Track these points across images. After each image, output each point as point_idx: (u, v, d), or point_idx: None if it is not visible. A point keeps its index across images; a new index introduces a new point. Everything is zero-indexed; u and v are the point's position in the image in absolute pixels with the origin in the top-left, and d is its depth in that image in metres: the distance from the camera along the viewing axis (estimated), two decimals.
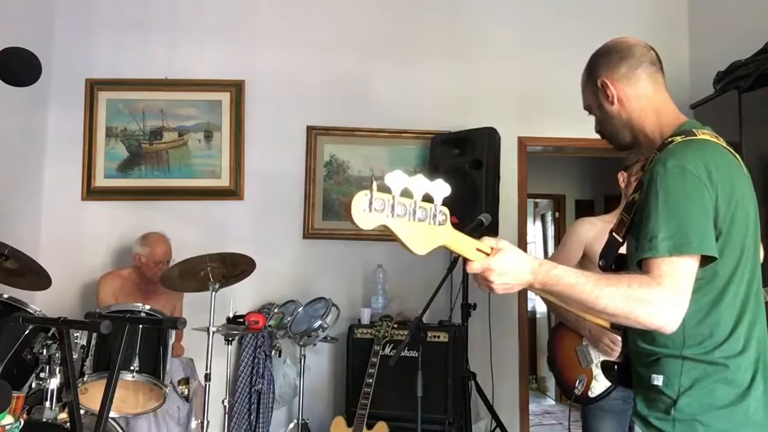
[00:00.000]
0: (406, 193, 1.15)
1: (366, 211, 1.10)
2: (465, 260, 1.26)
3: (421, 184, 1.15)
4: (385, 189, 1.12)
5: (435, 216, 1.18)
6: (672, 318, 1.24)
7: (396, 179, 1.12)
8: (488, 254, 1.25)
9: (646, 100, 1.49)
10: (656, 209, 1.29)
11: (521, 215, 4.09)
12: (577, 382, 2.54)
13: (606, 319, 1.33)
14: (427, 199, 1.17)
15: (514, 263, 1.25)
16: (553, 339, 2.79)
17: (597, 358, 2.55)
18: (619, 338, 2.54)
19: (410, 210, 1.15)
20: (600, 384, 2.52)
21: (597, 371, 2.54)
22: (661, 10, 4.12)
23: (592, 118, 1.59)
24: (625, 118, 1.50)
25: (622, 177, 2.58)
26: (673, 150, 1.36)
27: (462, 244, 1.24)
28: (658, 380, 1.37)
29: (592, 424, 2.57)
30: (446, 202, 1.20)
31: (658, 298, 1.23)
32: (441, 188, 1.17)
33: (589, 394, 2.53)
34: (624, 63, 1.49)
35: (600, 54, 1.54)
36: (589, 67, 1.56)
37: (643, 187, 1.37)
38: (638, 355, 1.45)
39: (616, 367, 1.59)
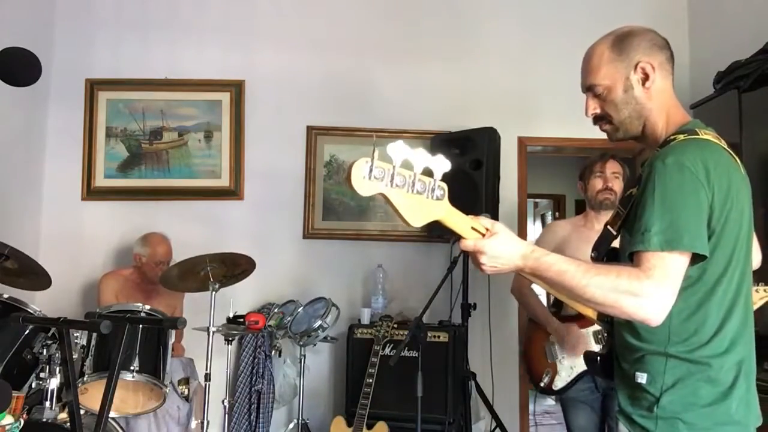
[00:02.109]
0: (407, 165, 1.15)
1: (365, 179, 1.11)
2: (459, 237, 1.28)
3: (422, 157, 1.15)
4: (386, 158, 1.12)
5: (433, 190, 1.19)
6: (657, 311, 1.24)
7: (398, 150, 1.12)
8: (483, 234, 1.27)
9: (669, 96, 1.47)
10: (652, 204, 1.30)
11: (521, 215, 4.09)
12: (544, 375, 2.85)
13: (593, 308, 1.33)
14: (427, 173, 1.17)
15: (505, 247, 1.28)
16: (528, 333, 3.05)
17: (561, 354, 2.81)
18: (583, 336, 2.69)
19: (409, 181, 1.15)
20: (562, 379, 2.80)
21: (560, 366, 2.81)
22: (661, 10, 4.11)
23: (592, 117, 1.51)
24: (648, 108, 1.44)
25: (580, 186, 2.95)
26: (673, 147, 1.36)
27: (457, 220, 1.25)
28: (642, 378, 1.38)
29: (567, 413, 2.89)
30: None
31: (646, 290, 1.24)
32: (441, 163, 1.18)
33: (553, 386, 2.82)
34: (662, 53, 1.45)
35: (634, 34, 1.45)
36: (619, 44, 1.44)
37: (641, 182, 1.37)
38: (624, 350, 1.45)
39: (598, 358, 1.60)
